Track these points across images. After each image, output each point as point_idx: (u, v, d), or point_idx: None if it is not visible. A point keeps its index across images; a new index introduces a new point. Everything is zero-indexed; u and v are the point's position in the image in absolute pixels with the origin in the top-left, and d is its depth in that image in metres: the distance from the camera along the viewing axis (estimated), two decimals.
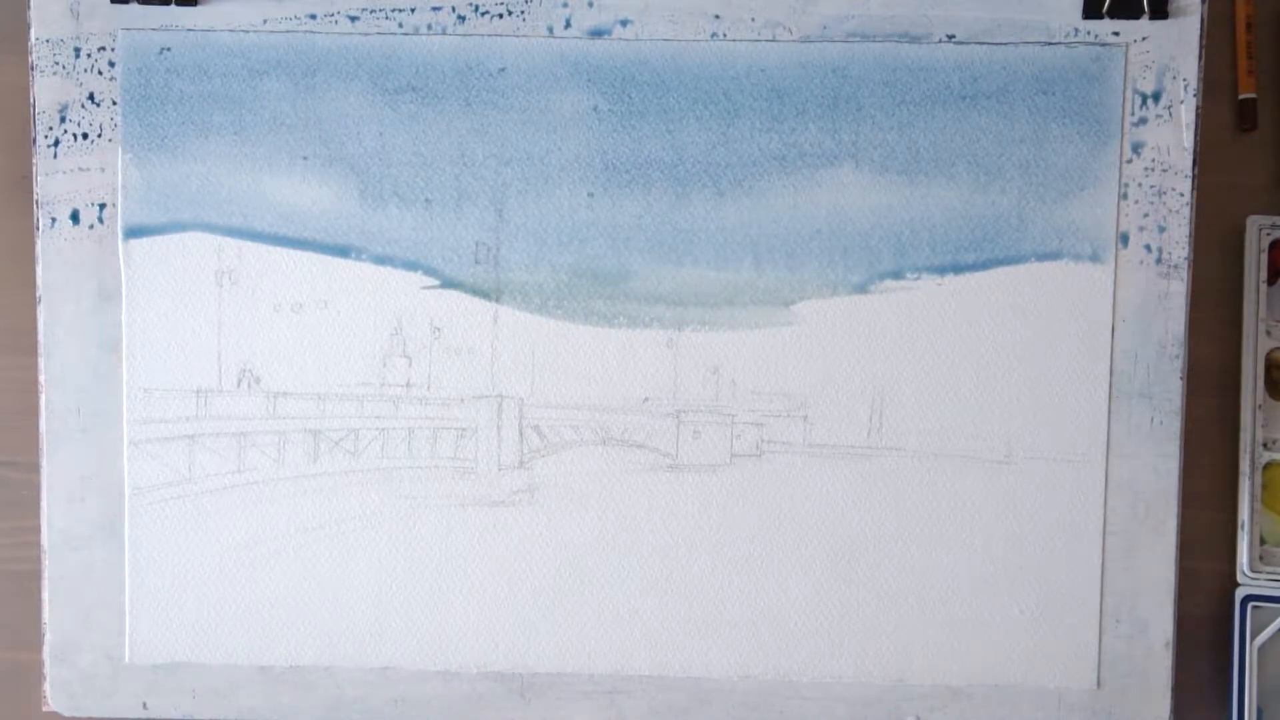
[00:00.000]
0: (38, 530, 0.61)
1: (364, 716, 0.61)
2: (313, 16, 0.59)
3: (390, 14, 0.59)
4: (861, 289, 0.59)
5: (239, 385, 0.60)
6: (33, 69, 0.59)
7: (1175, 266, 0.59)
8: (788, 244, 0.59)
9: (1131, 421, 0.59)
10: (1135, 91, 0.58)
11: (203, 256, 0.60)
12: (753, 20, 0.59)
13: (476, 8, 0.59)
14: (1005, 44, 0.58)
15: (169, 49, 0.59)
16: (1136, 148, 0.59)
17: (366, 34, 0.59)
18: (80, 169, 0.59)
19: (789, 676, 0.61)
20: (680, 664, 0.61)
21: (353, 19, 0.59)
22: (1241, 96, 0.62)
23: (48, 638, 0.61)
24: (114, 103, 0.59)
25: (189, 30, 0.59)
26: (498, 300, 0.60)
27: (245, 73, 0.59)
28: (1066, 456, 0.60)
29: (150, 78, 0.59)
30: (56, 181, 0.60)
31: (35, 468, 0.61)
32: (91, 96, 0.59)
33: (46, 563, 0.61)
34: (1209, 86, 0.59)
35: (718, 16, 0.59)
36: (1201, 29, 0.58)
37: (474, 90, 0.59)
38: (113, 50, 0.59)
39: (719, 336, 0.60)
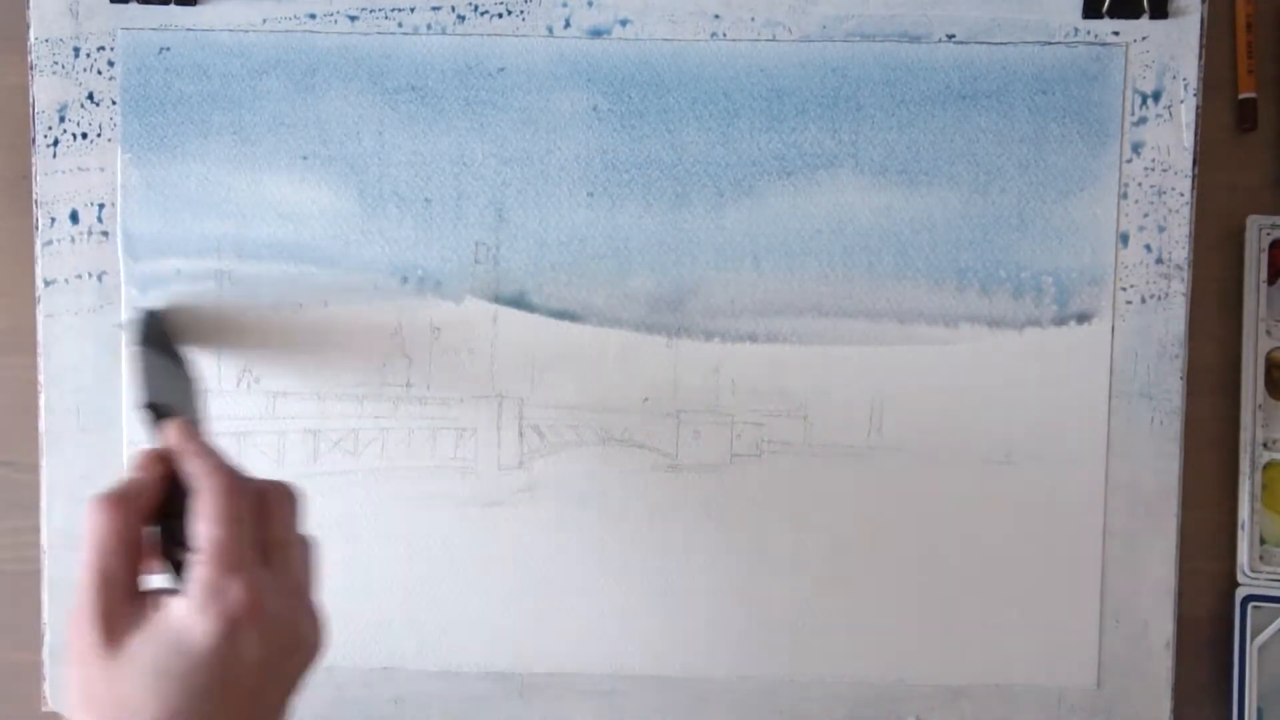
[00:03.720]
0: (37, 530, 0.61)
1: (364, 716, 0.61)
2: (312, 16, 0.59)
3: (390, 14, 0.59)
4: (862, 288, 0.59)
5: (239, 385, 0.60)
6: (32, 69, 0.59)
7: (1175, 266, 0.59)
8: (788, 243, 0.59)
9: (1131, 421, 0.59)
10: (1135, 91, 0.58)
11: (203, 256, 0.60)
12: (753, 20, 0.59)
13: (476, 7, 0.59)
14: (1005, 44, 0.58)
15: (169, 49, 0.59)
16: (1136, 148, 0.59)
17: (366, 34, 0.59)
18: (80, 169, 0.59)
19: (789, 676, 0.61)
20: (680, 664, 0.61)
21: (352, 19, 0.59)
22: (1241, 96, 0.62)
23: (47, 638, 0.61)
24: (113, 103, 0.59)
25: (189, 30, 0.59)
26: (498, 300, 0.60)
27: (245, 73, 0.59)
28: (1066, 456, 0.60)
29: (150, 78, 0.59)
30: (56, 181, 0.60)
31: (35, 468, 0.61)
32: (91, 96, 0.59)
33: (46, 563, 0.61)
34: (1209, 86, 0.59)
35: (718, 16, 0.59)
36: (1201, 29, 0.58)
37: (474, 90, 0.59)
38: (112, 50, 0.59)
39: (719, 336, 0.60)
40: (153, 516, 0.44)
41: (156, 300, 0.60)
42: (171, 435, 0.46)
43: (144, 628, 0.41)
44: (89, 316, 0.60)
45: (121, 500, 0.43)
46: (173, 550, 0.44)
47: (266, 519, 0.43)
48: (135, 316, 0.58)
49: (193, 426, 0.47)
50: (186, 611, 0.41)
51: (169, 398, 0.51)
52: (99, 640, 0.41)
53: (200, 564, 0.41)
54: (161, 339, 0.57)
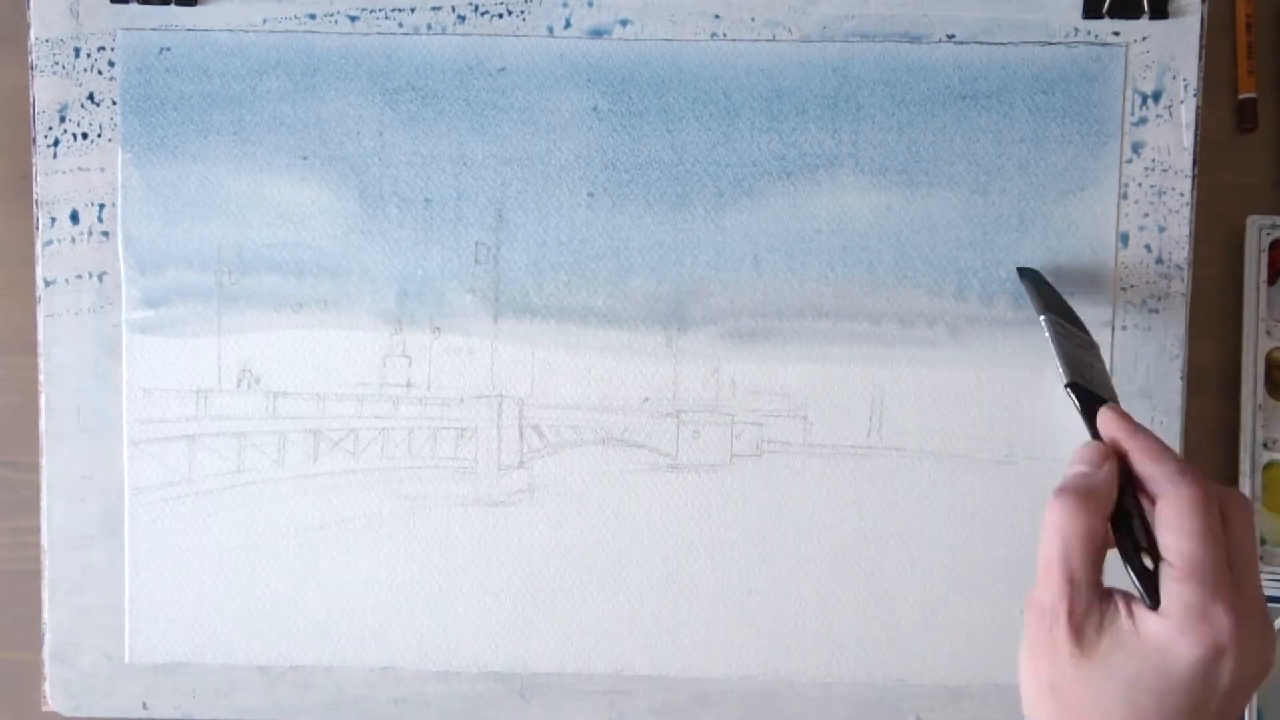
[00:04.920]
0: (38, 530, 0.61)
1: (364, 716, 0.61)
2: (313, 16, 0.59)
3: (390, 14, 0.59)
4: (862, 288, 0.59)
5: (239, 385, 0.60)
6: (32, 69, 0.59)
7: (1175, 266, 0.59)
8: (787, 243, 0.59)
9: None
10: (1135, 91, 0.58)
11: (203, 256, 0.60)
12: (753, 20, 0.59)
13: (476, 8, 0.59)
14: (1005, 44, 0.58)
15: (169, 49, 0.59)
16: (1136, 148, 0.59)
17: (366, 34, 0.59)
18: (80, 169, 0.59)
19: (789, 676, 0.61)
20: (680, 664, 0.61)
21: (353, 19, 0.59)
22: (1241, 96, 0.62)
23: (48, 638, 0.61)
24: (114, 103, 0.59)
25: (189, 30, 0.59)
26: (498, 300, 0.60)
27: (245, 73, 0.59)
28: (1067, 456, 0.59)
29: (150, 78, 0.59)
30: (56, 181, 0.60)
31: (35, 468, 0.61)
32: (91, 96, 0.59)
33: (46, 563, 0.61)
34: (1209, 86, 0.59)
35: (718, 16, 0.59)
36: (1201, 29, 0.58)
37: (474, 90, 0.59)
38: (113, 50, 0.59)
39: (719, 336, 0.60)
40: (1110, 514, 0.43)
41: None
42: (1111, 426, 0.45)
43: (1115, 635, 0.41)
44: (89, 316, 0.60)
45: (1088, 498, 0.43)
46: (1128, 550, 0.43)
47: (1230, 531, 0.42)
48: (1026, 276, 0.54)
49: (1127, 415, 0.45)
50: (1168, 632, 0.40)
51: (1087, 373, 0.48)
52: (1068, 639, 0.41)
53: (1180, 582, 0.41)
54: (1054, 299, 0.53)
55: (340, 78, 0.59)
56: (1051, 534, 0.42)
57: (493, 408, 0.60)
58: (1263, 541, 0.61)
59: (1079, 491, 0.43)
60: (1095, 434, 0.47)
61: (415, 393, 0.60)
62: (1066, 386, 0.48)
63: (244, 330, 0.60)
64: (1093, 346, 0.51)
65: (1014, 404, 0.59)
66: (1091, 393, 0.47)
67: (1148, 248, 0.59)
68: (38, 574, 0.61)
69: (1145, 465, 0.44)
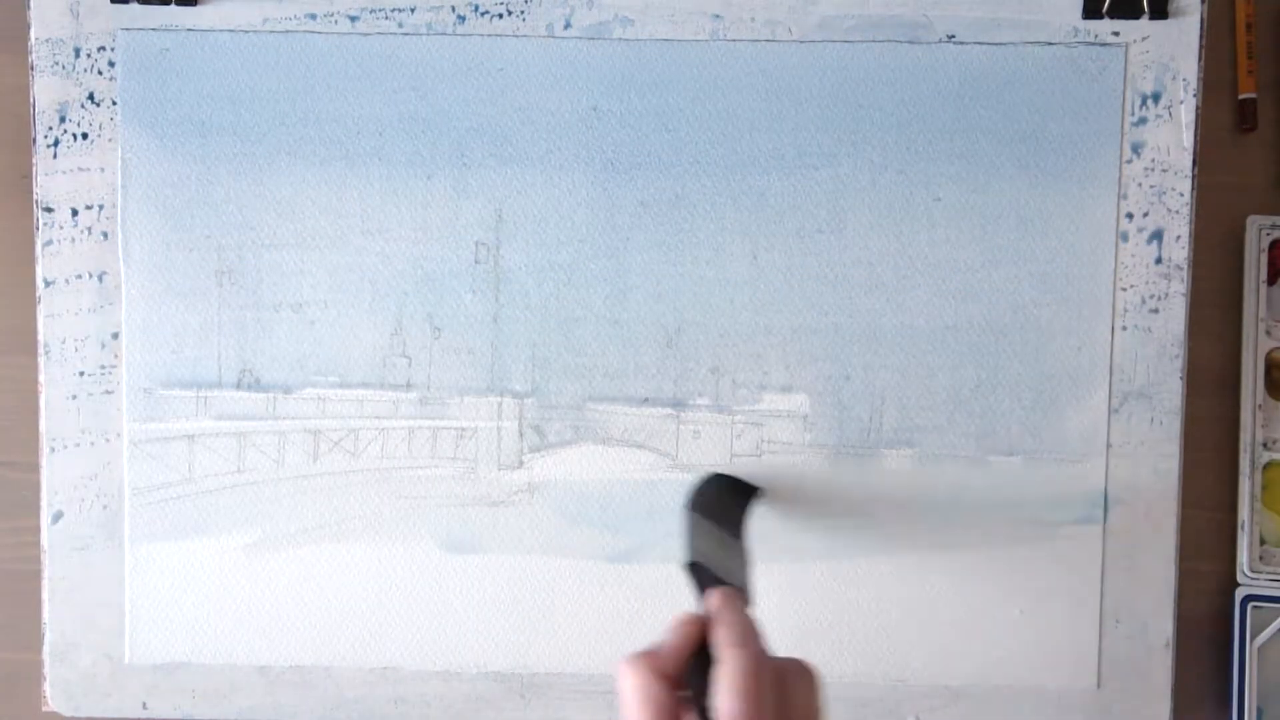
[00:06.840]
0: (38, 530, 0.61)
1: (364, 716, 0.61)
2: (312, 16, 0.59)
3: (390, 14, 0.59)
4: (861, 288, 0.59)
5: (239, 385, 0.60)
6: (32, 69, 0.59)
7: (1175, 266, 0.59)
8: (787, 243, 0.59)
9: (1131, 421, 0.59)
10: (1135, 91, 0.58)
11: (203, 256, 0.60)
12: (753, 20, 0.59)
13: (476, 8, 0.59)
14: (1005, 44, 0.58)
15: (169, 49, 0.59)
16: (1136, 148, 0.59)
17: (366, 34, 0.59)
18: (80, 169, 0.59)
19: None
20: None
21: (353, 19, 0.59)
22: (1241, 96, 0.62)
23: (48, 638, 0.61)
24: (114, 103, 0.59)
25: (189, 30, 0.59)
26: (498, 300, 0.60)
27: (245, 73, 0.59)
28: (1066, 456, 0.60)
29: (150, 78, 0.59)
30: (56, 181, 0.60)
31: (35, 468, 0.61)
32: (91, 96, 0.59)
33: (46, 563, 0.61)
34: (1209, 86, 0.59)
35: (718, 16, 0.59)
36: (1201, 29, 0.58)
37: (474, 90, 0.59)
38: (113, 50, 0.59)
39: (719, 336, 0.60)
40: (680, 678, 0.45)
41: (723, 467, 0.60)
42: (712, 602, 0.47)
43: None
44: (89, 316, 0.60)
45: (645, 660, 0.45)
46: (705, 714, 0.44)
47: (786, 698, 0.44)
48: (697, 481, 0.58)
49: (735, 597, 0.48)
50: None
51: (715, 562, 0.51)
52: None
53: None
54: (720, 503, 0.56)
55: (340, 78, 0.59)
56: (620, 694, 0.44)
57: (493, 408, 0.60)
58: (1262, 542, 0.61)
59: (639, 654, 0.45)
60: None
61: (415, 393, 0.60)
62: (683, 566, 0.51)
63: (244, 330, 0.60)
64: (743, 550, 0.53)
65: (1014, 403, 0.59)
66: (710, 576, 0.50)
67: (1148, 248, 0.59)
68: (38, 574, 0.61)
69: (718, 634, 0.45)
